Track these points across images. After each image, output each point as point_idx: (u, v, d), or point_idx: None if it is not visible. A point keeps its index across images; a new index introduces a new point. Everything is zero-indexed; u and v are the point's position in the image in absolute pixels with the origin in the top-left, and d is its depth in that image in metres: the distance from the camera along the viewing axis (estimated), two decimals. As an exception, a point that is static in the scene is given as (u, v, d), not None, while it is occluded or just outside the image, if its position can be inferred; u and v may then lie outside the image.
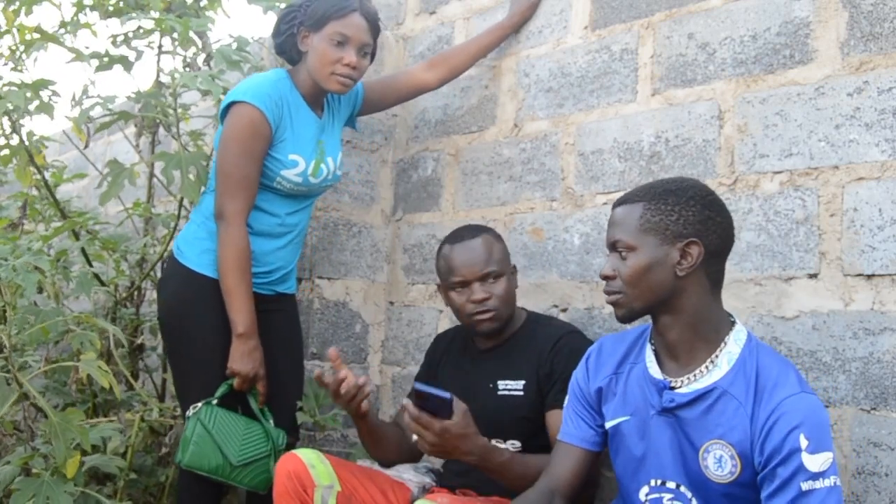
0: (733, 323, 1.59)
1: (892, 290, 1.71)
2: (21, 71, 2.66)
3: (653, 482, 1.60)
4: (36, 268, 2.11)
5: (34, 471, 2.11)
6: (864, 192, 1.76)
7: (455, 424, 1.63)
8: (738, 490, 1.50)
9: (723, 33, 2.04)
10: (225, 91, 2.33)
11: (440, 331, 2.62)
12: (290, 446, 2.17)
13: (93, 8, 2.70)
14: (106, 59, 2.59)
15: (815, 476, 1.39)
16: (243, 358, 2.11)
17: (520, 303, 2.18)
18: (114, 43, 2.69)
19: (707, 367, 1.54)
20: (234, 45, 2.54)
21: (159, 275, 2.63)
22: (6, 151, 2.63)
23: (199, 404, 2.12)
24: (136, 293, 2.92)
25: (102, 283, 2.80)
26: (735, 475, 1.49)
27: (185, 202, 2.67)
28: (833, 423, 1.74)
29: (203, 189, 2.35)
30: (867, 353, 1.73)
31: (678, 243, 1.53)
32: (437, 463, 2.23)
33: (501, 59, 2.58)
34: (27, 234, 2.74)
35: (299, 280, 2.67)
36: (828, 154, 1.83)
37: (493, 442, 1.98)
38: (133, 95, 2.64)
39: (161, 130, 2.96)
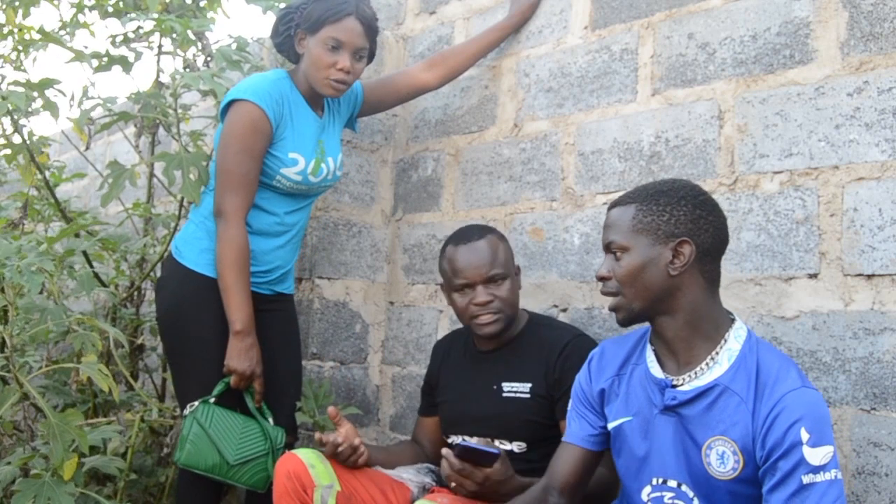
0: (733, 320, 1.60)
1: (892, 290, 1.71)
2: (23, 70, 2.66)
3: (655, 481, 1.60)
4: (40, 269, 2.10)
5: (34, 471, 2.10)
6: (864, 192, 1.76)
7: (496, 471, 1.71)
8: (740, 486, 1.50)
9: (723, 33, 2.04)
10: (227, 90, 2.33)
11: (440, 330, 2.62)
12: (290, 446, 2.17)
13: (92, 8, 2.70)
14: (105, 60, 2.59)
15: (817, 469, 1.40)
16: (240, 355, 2.11)
17: (520, 303, 2.18)
18: (113, 43, 2.69)
19: (707, 364, 1.55)
20: (234, 46, 2.54)
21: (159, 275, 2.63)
22: (8, 151, 2.63)
23: (196, 403, 2.11)
24: (136, 293, 2.92)
25: (103, 284, 2.80)
26: (737, 471, 1.49)
27: (185, 202, 2.67)
28: (833, 424, 1.74)
29: (203, 189, 2.35)
30: (867, 353, 1.73)
31: (670, 243, 1.55)
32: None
33: (501, 59, 2.58)
34: (27, 234, 2.73)
35: (299, 280, 2.67)
36: (828, 154, 1.83)
37: (498, 443, 1.98)
38: (133, 96, 2.64)
39: (161, 131, 2.96)
